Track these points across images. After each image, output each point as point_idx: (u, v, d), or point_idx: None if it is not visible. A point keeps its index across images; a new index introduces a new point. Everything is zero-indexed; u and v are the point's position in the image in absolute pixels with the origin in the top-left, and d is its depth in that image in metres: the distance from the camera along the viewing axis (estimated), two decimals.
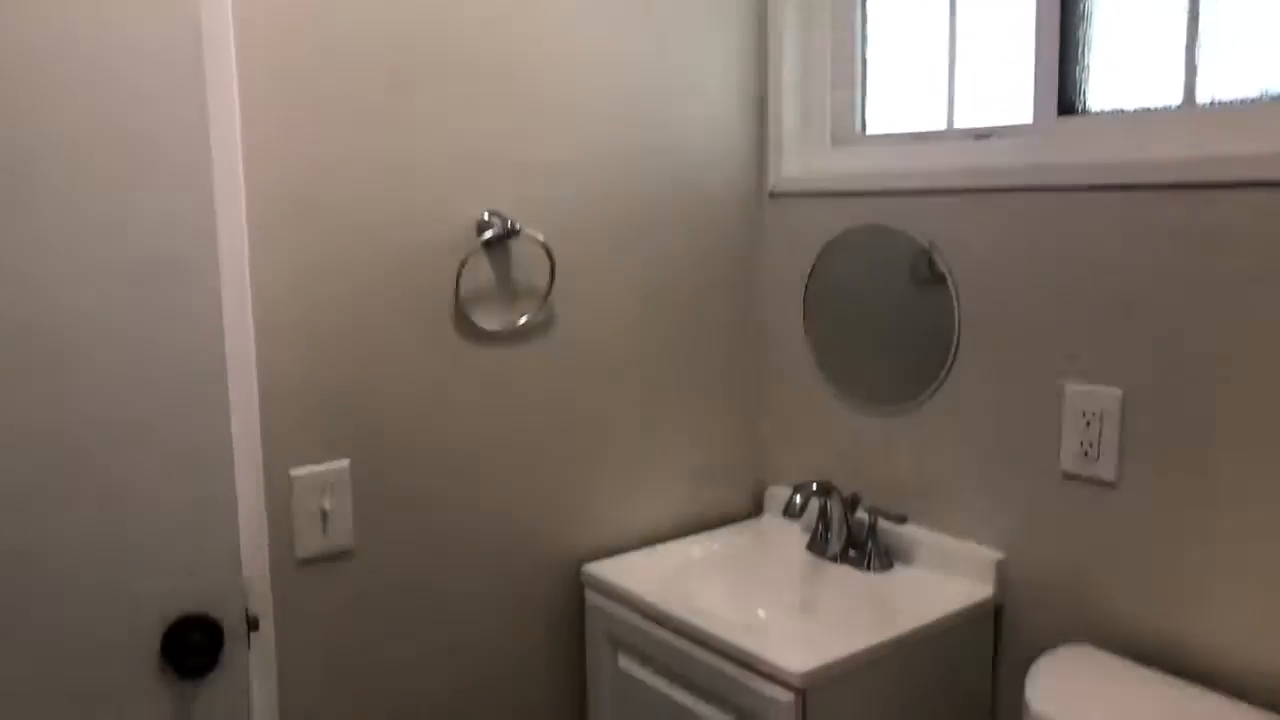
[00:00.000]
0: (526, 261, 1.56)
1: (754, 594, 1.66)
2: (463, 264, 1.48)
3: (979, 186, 1.50)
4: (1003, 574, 1.52)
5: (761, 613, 1.64)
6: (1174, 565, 1.33)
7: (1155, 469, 1.34)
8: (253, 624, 1.22)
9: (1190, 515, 1.31)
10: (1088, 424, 1.39)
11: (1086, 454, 1.40)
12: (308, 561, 1.40)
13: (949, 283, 1.55)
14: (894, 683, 1.41)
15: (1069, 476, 1.43)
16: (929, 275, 1.58)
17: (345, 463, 1.41)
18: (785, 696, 1.30)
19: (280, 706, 1.39)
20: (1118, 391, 1.36)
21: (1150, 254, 1.32)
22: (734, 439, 1.86)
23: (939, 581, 1.56)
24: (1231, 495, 1.27)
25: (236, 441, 1.31)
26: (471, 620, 1.56)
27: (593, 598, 1.63)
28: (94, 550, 1.07)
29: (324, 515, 1.39)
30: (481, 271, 1.52)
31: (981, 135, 1.56)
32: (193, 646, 1.15)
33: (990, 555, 1.52)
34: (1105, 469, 1.38)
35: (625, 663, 1.57)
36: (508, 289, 1.55)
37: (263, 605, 1.35)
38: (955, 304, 1.54)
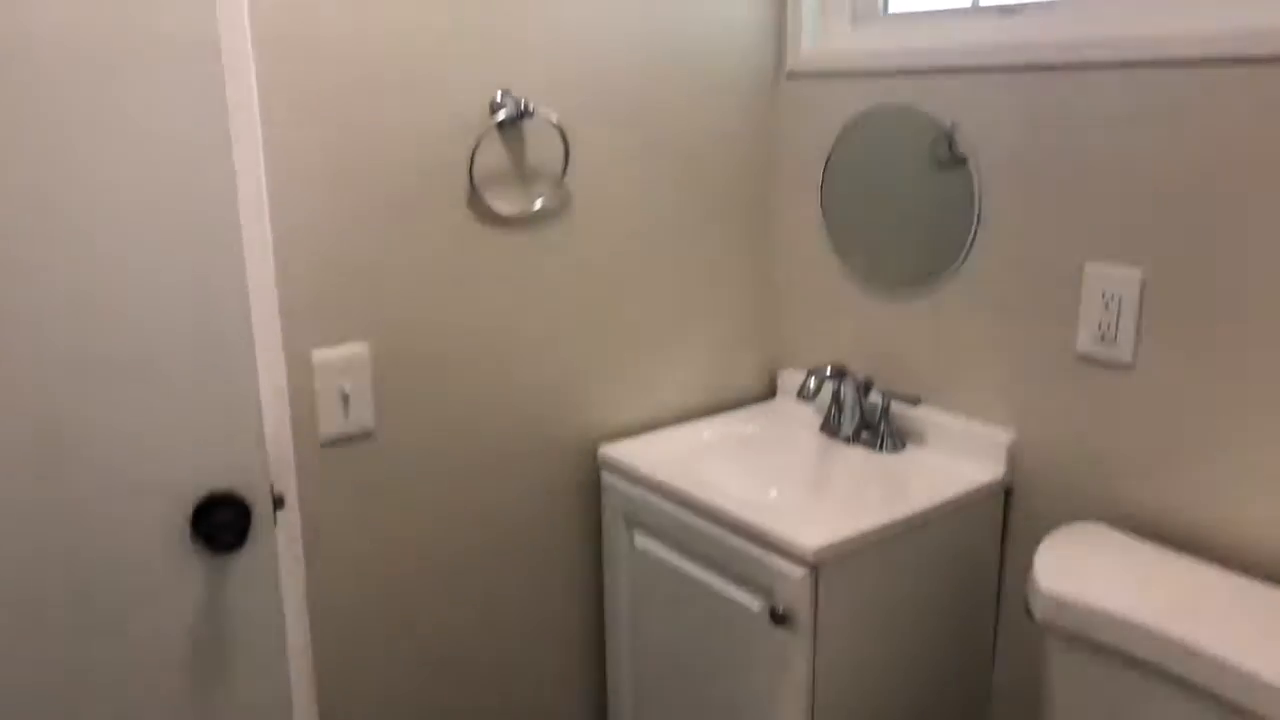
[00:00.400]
0: (540, 144, 1.54)
1: (767, 474, 1.69)
2: (476, 145, 1.46)
3: (1004, 65, 1.46)
4: (1014, 455, 1.54)
5: (774, 492, 1.67)
6: (1188, 447, 1.34)
7: (1172, 351, 1.34)
8: (279, 502, 1.25)
9: (1206, 398, 1.32)
10: (1106, 305, 1.38)
11: (1103, 336, 1.39)
12: (331, 443, 1.42)
13: (970, 164, 1.52)
14: (904, 560, 1.44)
15: (1084, 359, 1.43)
16: (950, 157, 1.55)
17: (364, 345, 1.42)
18: (798, 571, 1.34)
19: (308, 581, 1.43)
20: (1138, 273, 1.35)
21: (1180, 133, 1.29)
22: (749, 322, 1.86)
23: (950, 462, 1.58)
24: (1249, 378, 1.27)
25: (256, 325, 1.32)
26: (491, 501, 1.60)
27: (608, 478, 1.66)
28: (120, 429, 1.09)
29: (344, 397, 1.41)
30: (495, 154, 1.50)
31: (1009, 11, 1.51)
32: (221, 524, 1.18)
33: (1002, 437, 1.53)
34: (1122, 351, 1.38)
35: (641, 540, 1.61)
36: (522, 172, 1.53)
37: (288, 485, 1.38)
38: (976, 185, 1.52)
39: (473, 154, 1.46)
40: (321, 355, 1.39)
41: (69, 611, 1.11)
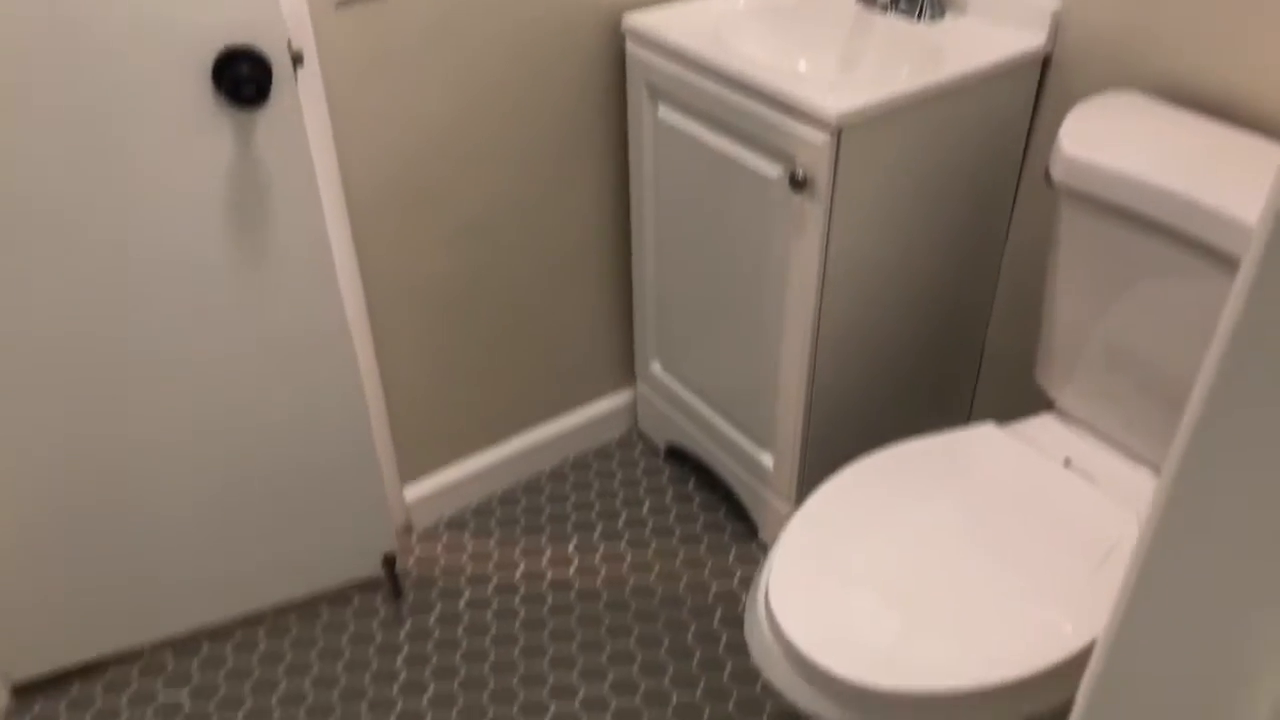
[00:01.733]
0: None
1: (798, 46, 1.64)
2: None
3: None
4: (1057, 23, 1.47)
5: (803, 63, 1.63)
6: (1232, 12, 1.27)
7: None
8: (298, 59, 1.25)
9: None
10: None
11: None
12: (345, 3, 1.38)
13: None
14: (929, 128, 1.43)
15: None
16: None
17: None
18: (820, 137, 1.33)
19: (334, 135, 1.46)
20: None
21: None
22: None
23: (990, 31, 1.51)
24: None
25: None
26: (513, 70, 1.57)
27: (633, 49, 1.61)
28: None
29: None
30: None
31: None
32: (242, 77, 1.19)
33: (1047, 3, 1.45)
34: None
35: (665, 112, 1.60)
36: None
37: (306, 42, 1.37)
38: None
39: None
40: None
41: (109, 160, 1.15)
